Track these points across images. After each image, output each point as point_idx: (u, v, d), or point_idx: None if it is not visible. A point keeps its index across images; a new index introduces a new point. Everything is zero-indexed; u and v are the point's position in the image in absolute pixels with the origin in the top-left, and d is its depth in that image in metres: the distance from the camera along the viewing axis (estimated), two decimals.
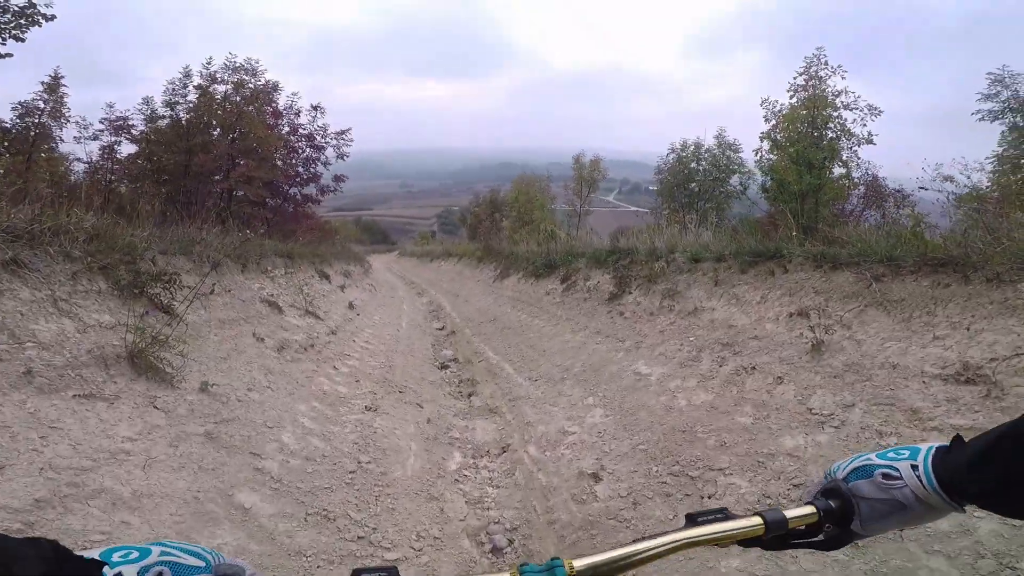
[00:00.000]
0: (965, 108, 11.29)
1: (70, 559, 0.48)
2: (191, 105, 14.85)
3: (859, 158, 12.00)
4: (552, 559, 0.58)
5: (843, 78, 11.83)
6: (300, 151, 16.94)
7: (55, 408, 2.44)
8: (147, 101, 14.70)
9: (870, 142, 11.65)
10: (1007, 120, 10.95)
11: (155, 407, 2.93)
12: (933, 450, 0.67)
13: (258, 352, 4.68)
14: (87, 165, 14.10)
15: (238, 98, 15.22)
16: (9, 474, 1.97)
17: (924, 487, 0.64)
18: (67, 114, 13.66)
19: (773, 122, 12.41)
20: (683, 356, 4.99)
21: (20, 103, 13.10)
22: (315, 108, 16.91)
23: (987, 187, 10.95)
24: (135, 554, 0.53)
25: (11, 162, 12.30)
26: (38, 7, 8.95)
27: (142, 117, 14.48)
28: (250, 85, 15.44)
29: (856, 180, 12.24)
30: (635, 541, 0.62)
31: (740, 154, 15.90)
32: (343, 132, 16.99)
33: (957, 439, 0.65)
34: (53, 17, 9.05)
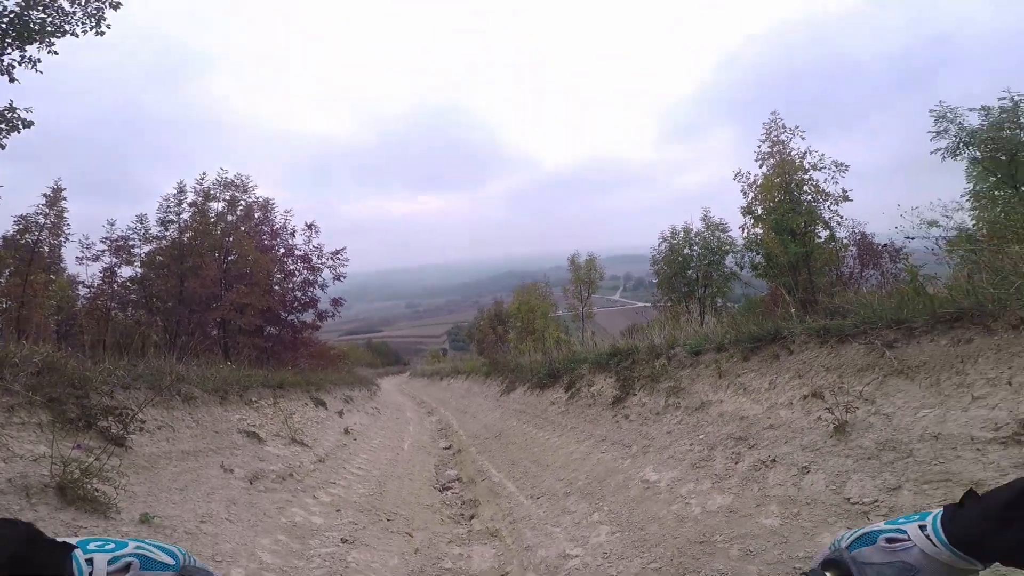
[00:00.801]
0: (924, 150, 11.16)
1: (42, 542, 0.51)
2: (185, 224, 13.84)
3: (841, 217, 11.52)
4: None
5: (803, 138, 11.78)
6: (296, 274, 16.10)
7: None
8: (141, 219, 13.68)
9: (847, 199, 11.23)
10: (965, 154, 10.88)
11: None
12: (943, 509, 0.65)
13: (223, 483, 4.26)
14: (89, 290, 13.08)
15: (230, 217, 14.49)
16: None
17: (935, 544, 0.61)
18: (67, 231, 12.80)
19: (751, 195, 12.26)
20: (694, 456, 4.47)
21: (21, 216, 12.07)
22: (309, 227, 16.10)
23: (972, 225, 10.76)
24: (111, 545, 0.57)
25: (7, 284, 11.40)
26: (18, 111, 8.18)
27: (138, 237, 13.54)
28: (242, 202, 14.77)
29: (845, 241, 11.77)
30: None
31: (729, 233, 15.47)
32: (338, 252, 16.20)
33: (970, 494, 0.63)
34: (31, 124, 8.40)
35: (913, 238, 8.98)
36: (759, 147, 12.17)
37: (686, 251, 15.84)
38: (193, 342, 9.50)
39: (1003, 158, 10.35)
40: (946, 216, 10.73)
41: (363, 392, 16.12)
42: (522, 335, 22.22)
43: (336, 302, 16.85)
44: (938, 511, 0.65)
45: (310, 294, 16.27)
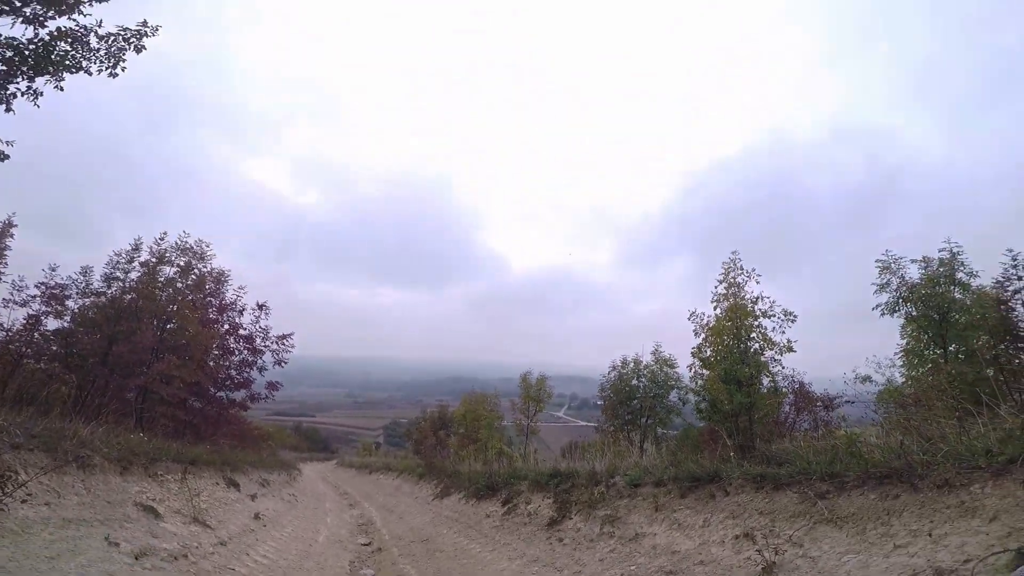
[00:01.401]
0: (866, 297, 11.12)
1: None
2: (131, 284, 12.98)
3: (783, 367, 10.89)
4: None
5: (757, 282, 11.41)
6: (236, 353, 15.45)
7: None
8: (85, 272, 12.73)
9: (791, 350, 10.75)
10: (903, 310, 10.80)
11: None
12: None
13: (103, 555, 3.79)
14: (6, 334, 11.54)
15: (180, 284, 13.76)
16: None
17: None
18: (3, 269, 11.37)
19: (702, 336, 11.95)
20: None
21: None
22: (260, 307, 15.80)
23: (902, 382, 10.92)
24: None
25: None
26: None
27: (76, 290, 12.46)
28: (195, 272, 14.16)
29: (784, 389, 11.30)
30: None
31: (676, 369, 15.52)
32: (285, 337, 15.82)
33: None
34: (7, 157, 7.71)
35: (853, 402, 9.28)
36: (716, 287, 11.61)
37: (634, 382, 16.13)
38: (107, 404, 8.66)
39: (935, 316, 10.44)
40: (879, 372, 11.22)
41: (282, 477, 15.00)
42: (464, 442, 21.38)
43: (272, 386, 15.99)
44: None
45: (245, 374, 15.47)
